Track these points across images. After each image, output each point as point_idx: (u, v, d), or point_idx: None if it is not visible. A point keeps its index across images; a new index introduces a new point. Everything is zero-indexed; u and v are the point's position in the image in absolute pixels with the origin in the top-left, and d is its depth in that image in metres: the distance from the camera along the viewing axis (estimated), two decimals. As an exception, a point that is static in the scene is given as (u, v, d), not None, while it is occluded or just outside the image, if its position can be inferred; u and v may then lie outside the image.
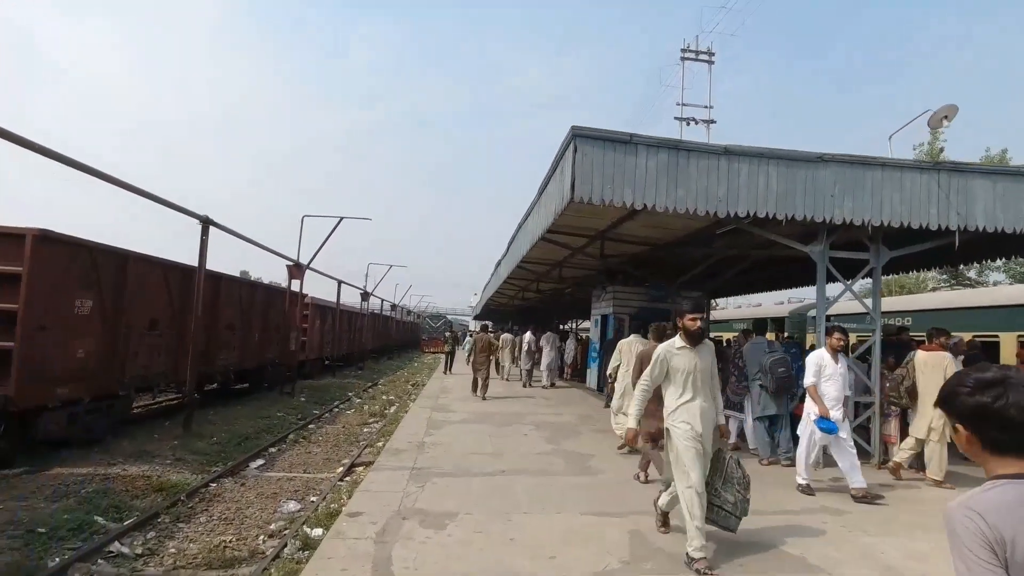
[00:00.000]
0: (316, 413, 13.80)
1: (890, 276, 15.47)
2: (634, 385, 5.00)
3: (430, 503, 5.12)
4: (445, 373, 20.40)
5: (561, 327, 30.31)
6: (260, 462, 9.10)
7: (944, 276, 44.14)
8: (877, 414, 6.87)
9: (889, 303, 15.80)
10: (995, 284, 33.22)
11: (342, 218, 16.02)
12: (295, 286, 15.84)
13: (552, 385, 16.58)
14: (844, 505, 5.62)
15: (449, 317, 60.49)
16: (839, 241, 7.04)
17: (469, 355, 15.62)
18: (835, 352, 5.99)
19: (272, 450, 9.82)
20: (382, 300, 36.54)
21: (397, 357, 40.61)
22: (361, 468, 8.50)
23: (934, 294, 19.41)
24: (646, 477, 6.16)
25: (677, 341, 4.38)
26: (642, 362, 5.58)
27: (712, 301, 14.31)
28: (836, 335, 6.07)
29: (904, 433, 6.76)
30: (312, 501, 7.13)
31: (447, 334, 23.04)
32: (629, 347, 8.49)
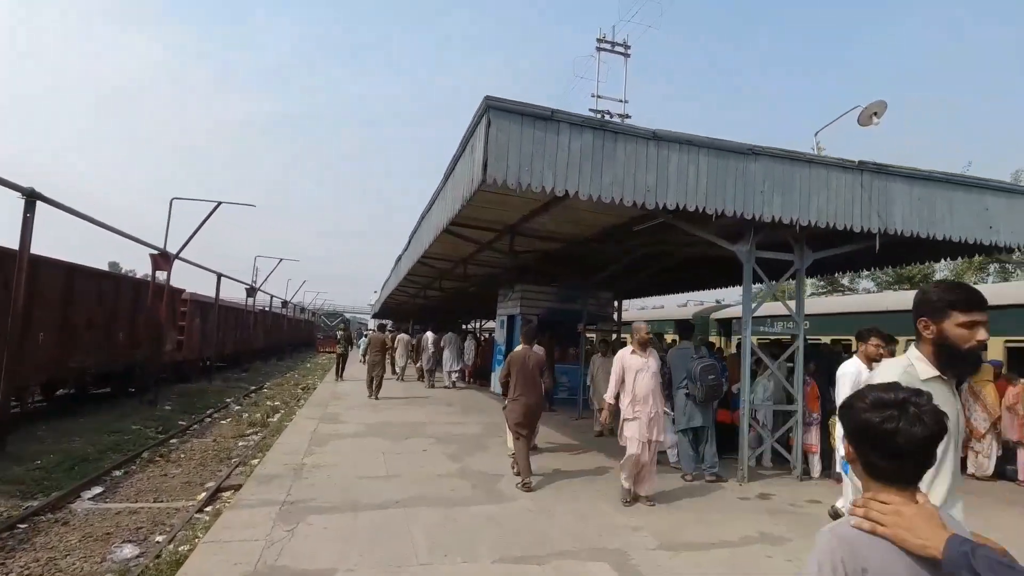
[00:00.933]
0: (182, 424, 11.98)
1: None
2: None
3: (299, 555, 3.97)
4: (337, 379, 17.87)
5: (464, 327, 29.44)
6: (97, 490, 7.47)
7: (822, 283, 48.08)
8: (799, 423, 6.58)
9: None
10: (865, 291, 36.48)
11: (219, 203, 14.14)
12: (160, 278, 13.75)
13: (453, 385, 16.52)
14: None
15: (347, 315, 57.80)
16: (763, 241, 6.70)
17: (364, 355, 16.13)
18: (871, 362, 4.68)
19: (117, 473, 8.16)
20: (271, 296, 33.79)
21: (289, 357, 37.88)
22: (228, 493, 7.17)
23: (822, 299, 20.49)
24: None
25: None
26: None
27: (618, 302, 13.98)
28: (873, 341, 4.78)
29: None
30: (157, 542, 5.76)
31: (339, 333, 19.26)
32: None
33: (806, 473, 6.66)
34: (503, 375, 6.76)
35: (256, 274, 35.34)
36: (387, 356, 15.23)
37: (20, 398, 10.93)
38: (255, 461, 8.15)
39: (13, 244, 8.44)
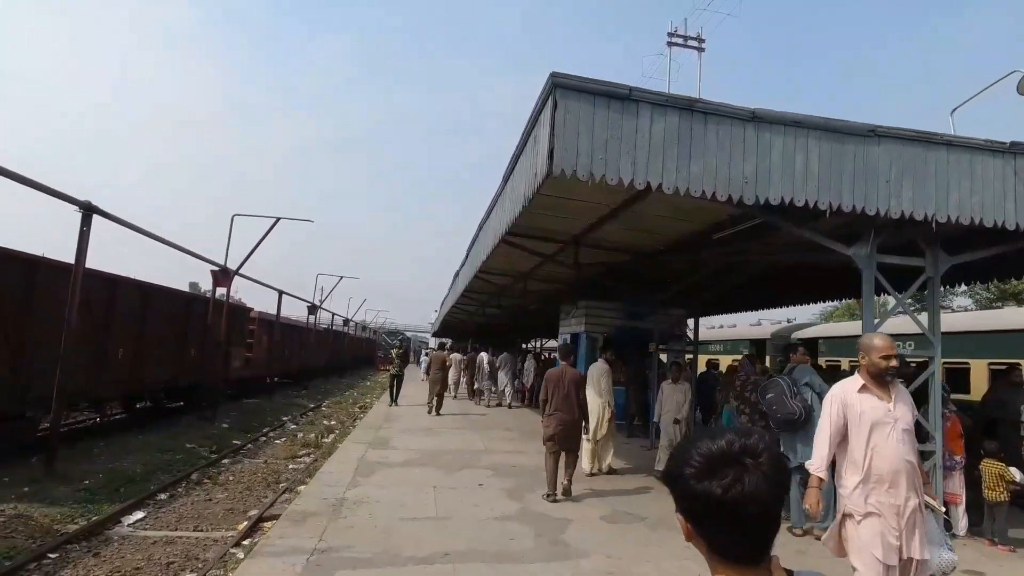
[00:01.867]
0: (237, 443, 11.69)
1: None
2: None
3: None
4: (391, 404, 15.27)
5: (524, 346, 28.64)
6: (139, 515, 7.07)
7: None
8: (939, 467, 5.30)
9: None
10: (961, 309, 33.12)
11: (278, 218, 14.05)
12: (220, 294, 13.69)
13: (508, 406, 15.98)
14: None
15: (408, 334, 58.23)
16: (883, 244, 5.56)
17: (426, 372, 17.04)
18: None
19: (162, 497, 7.77)
20: (333, 314, 34.15)
21: (349, 375, 38.17)
22: (270, 524, 6.59)
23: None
24: None
25: None
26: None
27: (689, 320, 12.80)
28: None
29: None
30: (184, 583, 5.20)
31: (392, 352, 16.33)
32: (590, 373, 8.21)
33: (948, 528, 5.39)
34: (542, 394, 6.95)
35: (322, 293, 35.89)
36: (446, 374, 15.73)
37: (100, 411, 11.70)
38: (302, 488, 7.57)
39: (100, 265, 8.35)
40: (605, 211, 7.68)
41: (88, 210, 8.15)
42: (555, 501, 6.22)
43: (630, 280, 10.53)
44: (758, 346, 17.54)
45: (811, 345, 14.87)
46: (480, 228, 9.84)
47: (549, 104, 4.39)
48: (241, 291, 73.34)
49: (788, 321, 24.62)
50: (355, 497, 6.02)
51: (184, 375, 13.57)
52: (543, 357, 18.96)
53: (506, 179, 7.02)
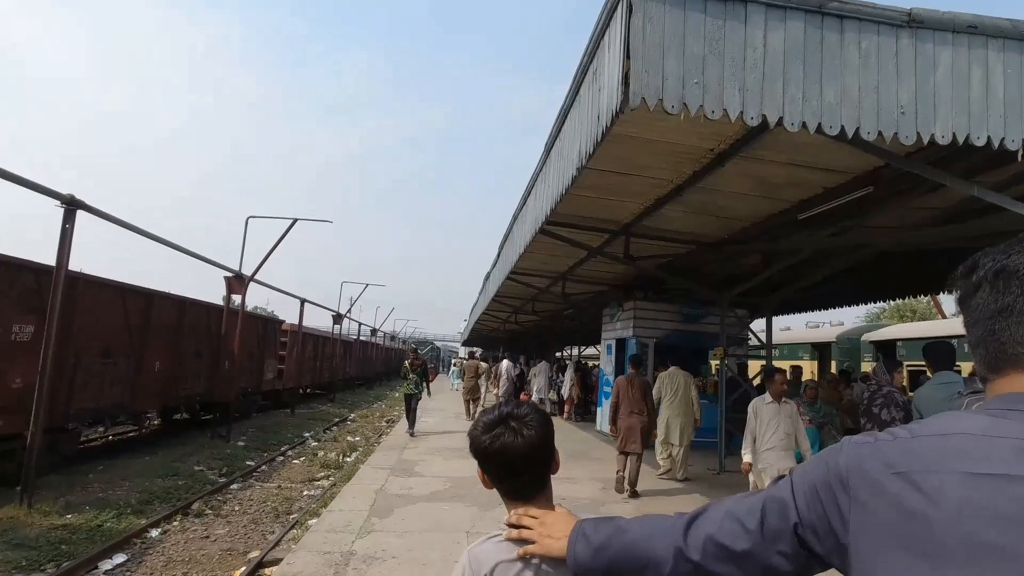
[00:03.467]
0: (250, 465, 10.62)
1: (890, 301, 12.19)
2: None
3: None
4: (410, 431, 12.08)
5: (558, 355, 27.29)
6: (121, 559, 5.98)
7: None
8: None
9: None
10: None
11: (295, 220, 13.03)
12: (236, 301, 12.73)
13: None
14: None
15: (437, 343, 57.30)
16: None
17: (459, 379, 17.40)
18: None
19: (152, 533, 6.66)
20: (360, 324, 33.27)
21: (378, 386, 37.25)
22: (269, 571, 5.42)
23: None
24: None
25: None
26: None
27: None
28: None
29: None
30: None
31: (405, 363, 12.74)
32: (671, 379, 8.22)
33: None
34: (611, 399, 7.43)
35: (350, 303, 35.00)
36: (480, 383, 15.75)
37: (137, 423, 11.93)
38: (306, 526, 6.35)
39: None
40: (666, 188, 6.37)
41: (71, 205, 7.16)
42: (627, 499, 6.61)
43: (689, 277, 9.12)
44: (820, 350, 15.83)
45: (887, 348, 13.19)
46: (514, 219, 8.60)
47: (621, 10, 3.12)
48: (272, 304, 73.61)
49: (840, 323, 22.66)
50: (365, 551, 4.69)
51: (220, 387, 13.57)
52: (585, 366, 17.51)
53: (549, 148, 5.76)
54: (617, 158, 5.52)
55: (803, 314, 13.54)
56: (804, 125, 3.15)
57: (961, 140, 3.24)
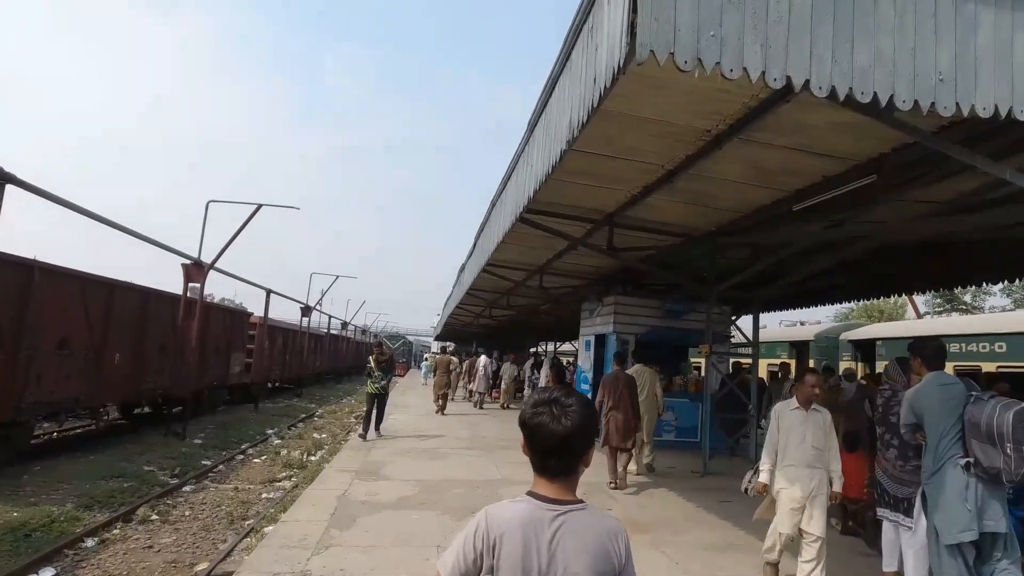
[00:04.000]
0: (206, 464, 9.96)
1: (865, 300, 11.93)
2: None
3: None
4: (362, 436, 10.70)
5: (534, 351, 26.94)
6: (49, 573, 5.34)
7: (938, 300, 42.20)
8: None
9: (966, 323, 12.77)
10: (992, 310, 31.07)
11: (260, 205, 12.33)
12: (192, 290, 11.99)
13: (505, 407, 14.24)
14: None
15: (409, 338, 56.48)
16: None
17: (431, 374, 17.48)
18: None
19: (88, 544, 6.04)
20: (330, 317, 32.38)
21: (347, 380, 36.42)
22: (218, 587, 4.87)
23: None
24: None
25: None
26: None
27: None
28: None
29: None
30: None
31: (370, 359, 11.46)
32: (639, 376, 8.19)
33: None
34: (598, 397, 7.51)
35: (321, 295, 34.05)
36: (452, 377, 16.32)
37: (95, 417, 11.10)
38: (268, 527, 5.80)
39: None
40: (656, 174, 5.97)
41: (2, 179, 6.44)
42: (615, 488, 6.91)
43: (674, 271, 8.76)
44: (799, 348, 15.73)
45: (866, 347, 13.10)
46: (492, 206, 8.12)
47: (626, -50, 2.66)
48: (239, 296, 71.76)
49: (817, 322, 22.71)
50: (323, 570, 4.13)
51: (183, 381, 13.09)
52: (559, 362, 17.13)
53: (533, 125, 5.31)
54: (606, 139, 5.09)
55: (784, 312, 13.34)
56: (833, 91, 2.73)
57: (1004, 113, 2.87)
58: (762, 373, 11.44)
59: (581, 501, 1.34)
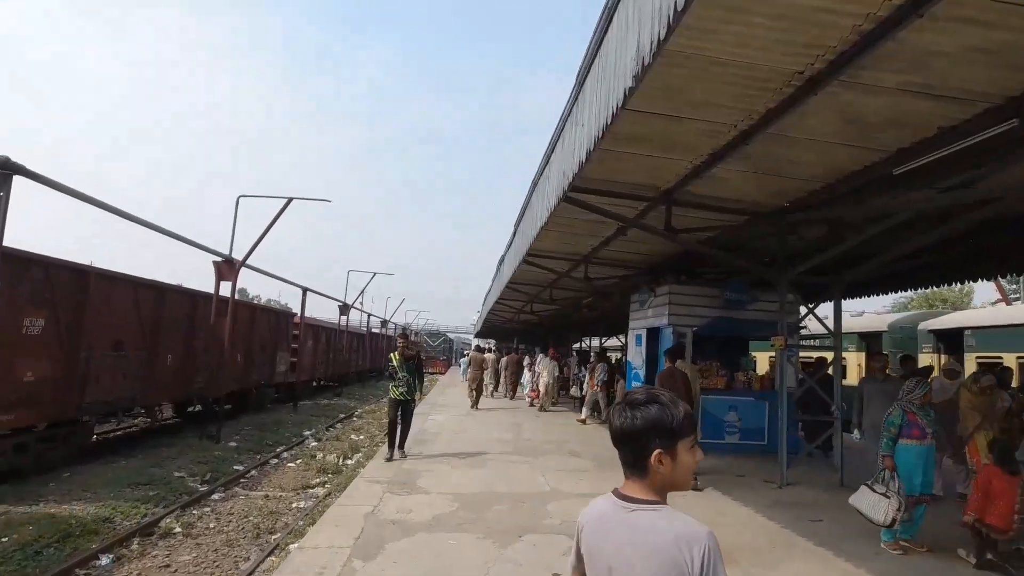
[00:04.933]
0: (238, 470, 9.52)
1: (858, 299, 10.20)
2: None
3: None
4: (388, 459, 8.37)
5: (577, 347, 26.05)
6: (55, 597, 4.85)
7: (1014, 285, 39.10)
8: None
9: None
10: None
11: (290, 199, 11.86)
12: (225, 288, 11.64)
13: (583, 422, 12.94)
14: None
15: (450, 335, 56.20)
16: None
17: (465, 373, 18.27)
18: None
19: (102, 561, 5.55)
20: (369, 315, 32.18)
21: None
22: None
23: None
24: None
25: None
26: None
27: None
28: None
29: None
30: None
31: (392, 356, 8.85)
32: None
33: None
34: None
35: (360, 293, 33.85)
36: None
37: (151, 416, 11.74)
38: (294, 543, 5.18)
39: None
40: (725, 137, 5.08)
41: (5, 169, 6.01)
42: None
43: (737, 254, 7.78)
44: (868, 340, 14.41)
45: (951, 338, 11.77)
46: (533, 186, 7.34)
47: None
48: (284, 296, 72.98)
49: (861, 314, 21.07)
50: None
51: (228, 380, 13.47)
52: (608, 359, 16.20)
53: (582, 79, 4.52)
54: (670, 92, 4.26)
55: (853, 300, 12.02)
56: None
57: None
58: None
59: (656, 501, 1.33)
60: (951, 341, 11.70)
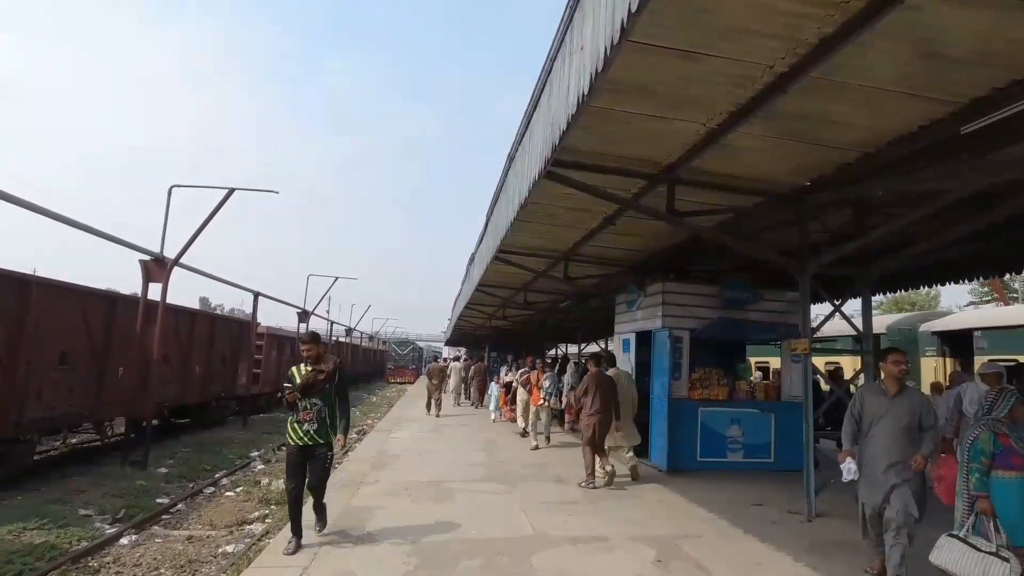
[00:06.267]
0: (161, 503, 8.04)
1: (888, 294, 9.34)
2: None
3: None
4: (295, 541, 4.79)
5: (554, 353, 24.95)
6: None
7: (985, 289, 39.51)
8: None
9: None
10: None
11: (232, 189, 10.42)
12: (154, 291, 10.17)
13: (547, 440, 10.84)
14: None
15: (419, 344, 54.55)
16: None
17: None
18: None
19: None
20: (332, 323, 30.48)
21: (354, 389, 34.55)
22: None
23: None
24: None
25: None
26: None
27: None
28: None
29: None
30: None
31: (293, 371, 4.93)
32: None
33: None
34: (579, 393, 7.46)
35: (320, 299, 32.19)
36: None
37: (99, 432, 10.89)
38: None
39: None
40: (759, 84, 3.97)
41: None
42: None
43: (745, 245, 6.70)
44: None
45: (957, 340, 10.97)
46: (509, 163, 6.16)
47: None
48: (246, 305, 70.16)
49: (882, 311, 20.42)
50: None
51: (190, 393, 13.53)
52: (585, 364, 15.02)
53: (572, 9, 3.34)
54: (692, 12, 3.14)
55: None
56: None
57: None
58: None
59: None
60: (957, 343, 10.90)
